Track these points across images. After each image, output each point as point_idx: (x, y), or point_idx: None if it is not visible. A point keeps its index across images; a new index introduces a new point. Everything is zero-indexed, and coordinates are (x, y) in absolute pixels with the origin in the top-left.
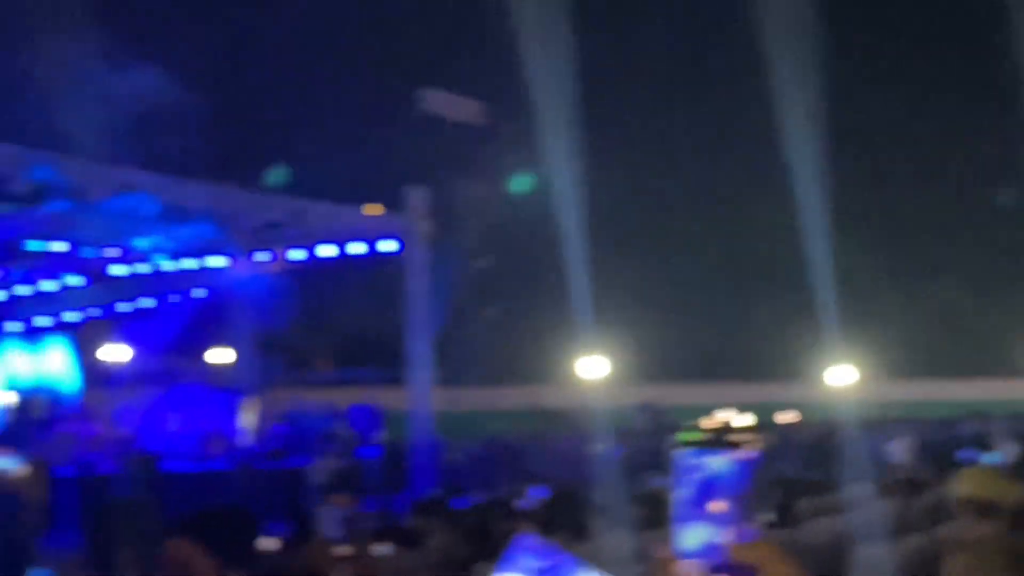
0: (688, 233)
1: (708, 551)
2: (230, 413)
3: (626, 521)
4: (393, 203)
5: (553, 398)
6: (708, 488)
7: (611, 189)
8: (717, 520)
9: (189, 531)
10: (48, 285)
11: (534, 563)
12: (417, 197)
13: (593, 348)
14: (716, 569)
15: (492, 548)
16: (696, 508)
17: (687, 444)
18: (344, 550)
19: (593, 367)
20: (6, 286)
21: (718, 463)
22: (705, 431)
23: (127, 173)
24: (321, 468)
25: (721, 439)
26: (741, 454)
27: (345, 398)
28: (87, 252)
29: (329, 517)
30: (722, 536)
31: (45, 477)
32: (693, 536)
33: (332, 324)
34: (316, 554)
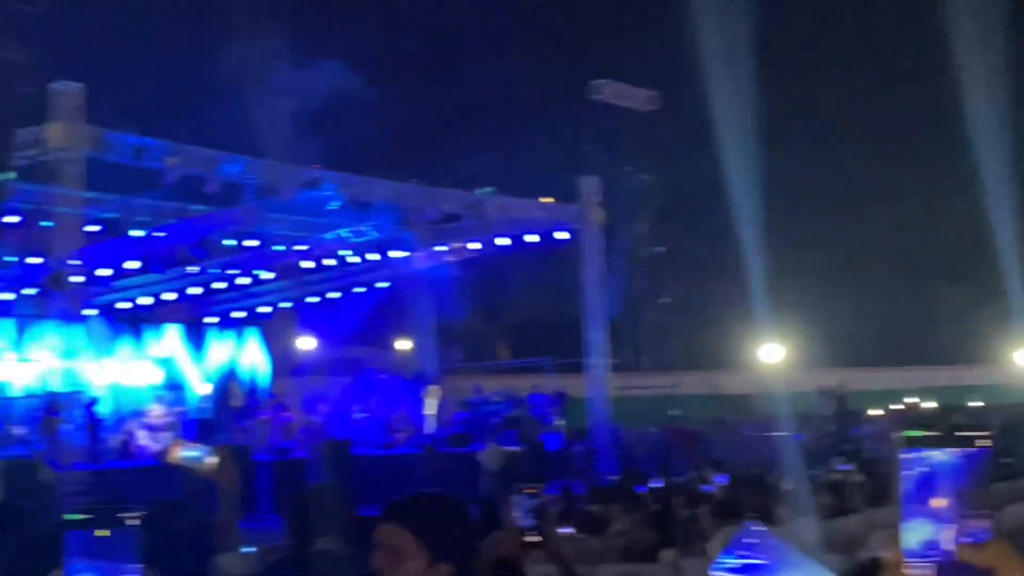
0: (868, 215)
1: (930, 549)
2: (413, 400)
3: (812, 507)
4: (566, 193)
5: (732, 383)
6: (930, 483)
7: (789, 173)
8: (939, 517)
9: (400, 517)
10: (241, 279)
11: (742, 559)
12: (589, 186)
13: (772, 333)
14: (943, 570)
15: (676, 534)
16: (918, 504)
17: (913, 441)
18: (534, 537)
19: (772, 352)
20: (203, 281)
21: (942, 457)
22: (933, 428)
23: (313, 171)
24: (497, 454)
25: (950, 437)
26: (968, 448)
27: (523, 385)
28: (277, 247)
29: (520, 504)
30: (945, 534)
31: (238, 463)
32: (915, 534)
33: (509, 312)
34: (507, 541)
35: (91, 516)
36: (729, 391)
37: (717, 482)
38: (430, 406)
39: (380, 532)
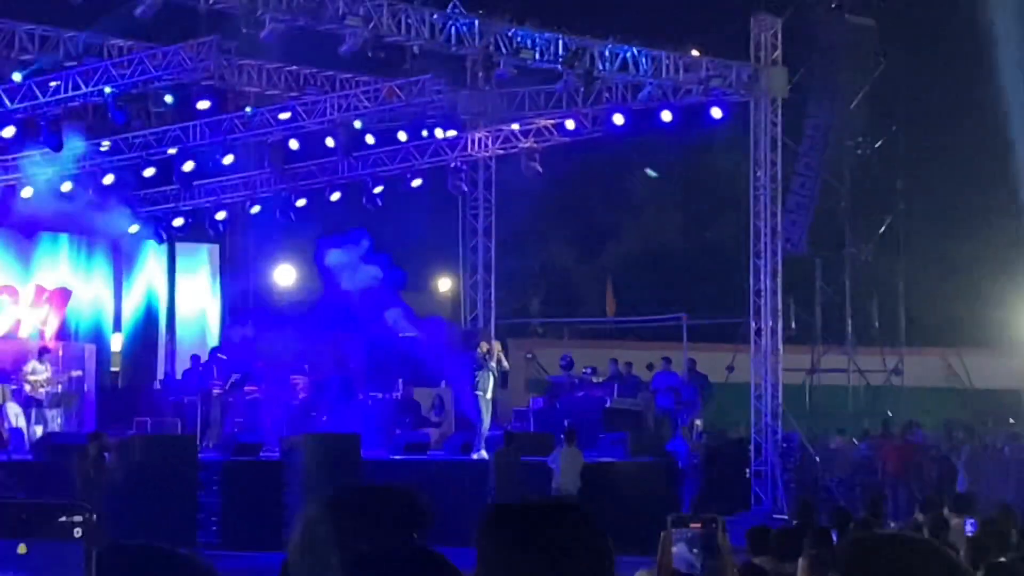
0: None
1: None
2: (459, 373)
3: None
4: (726, 43)
5: (988, 370)
6: None
7: None
8: None
9: None
10: (185, 164)
11: None
12: (766, 30)
13: None
14: None
15: None
16: None
17: None
18: None
19: None
20: (120, 166)
21: None
22: None
23: None
24: (574, 463)
25: None
26: None
27: (639, 357)
28: (243, 115)
29: (681, 540)
30: None
31: (130, 457)
32: None
33: (621, 239)
34: None
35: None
36: (984, 383)
37: (970, 530)
38: (486, 382)
39: None
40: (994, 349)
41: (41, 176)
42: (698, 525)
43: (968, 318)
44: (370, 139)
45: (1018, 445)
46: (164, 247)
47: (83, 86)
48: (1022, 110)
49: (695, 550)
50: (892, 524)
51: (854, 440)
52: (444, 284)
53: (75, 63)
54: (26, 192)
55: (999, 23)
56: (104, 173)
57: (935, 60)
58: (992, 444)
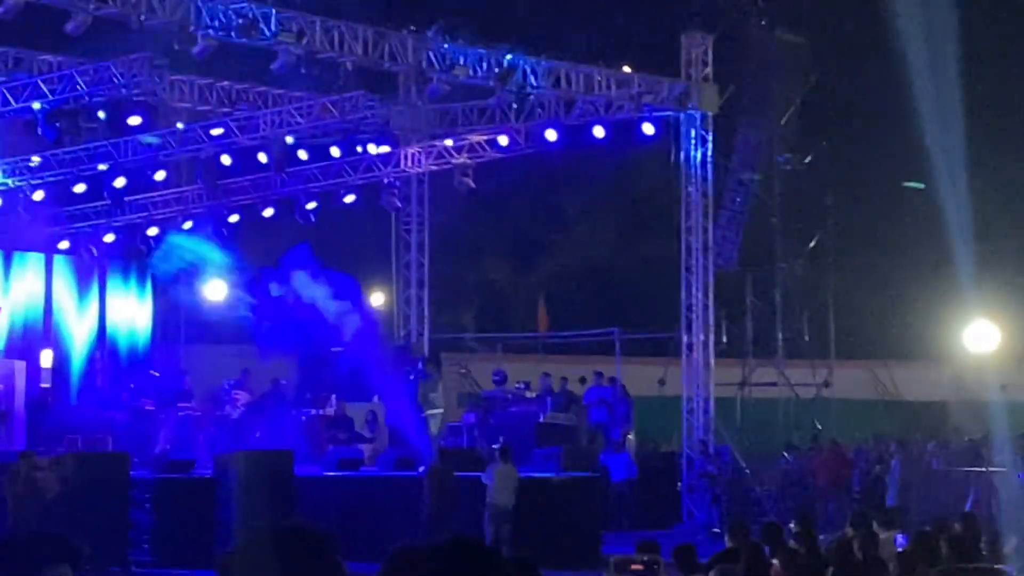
0: None
1: None
2: (391, 389)
3: None
4: (657, 59)
5: (917, 383)
6: None
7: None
8: None
9: None
10: (116, 180)
11: None
12: (696, 48)
13: (983, 307)
14: None
15: None
16: None
17: None
18: None
19: (983, 336)
20: (53, 180)
21: None
22: None
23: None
24: (508, 481)
25: None
26: None
27: (573, 371)
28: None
29: None
30: None
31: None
32: None
33: (554, 254)
34: None
35: None
36: (912, 395)
37: (901, 543)
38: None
39: None
40: (921, 361)
41: None
42: (640, 567)
43: (896, 331)
44: (303, 155)
45: (951, 457)
46: (95, 263)
47: (12, 101)
48: (942, 127)
49: None
50: (822, 538)
51: (784, 454)
52: (377, 299)
53: (4, 78)
54: None
55: (917, 42)
56: (34, 189)
57: (865, 77)
58: (921, 456)
